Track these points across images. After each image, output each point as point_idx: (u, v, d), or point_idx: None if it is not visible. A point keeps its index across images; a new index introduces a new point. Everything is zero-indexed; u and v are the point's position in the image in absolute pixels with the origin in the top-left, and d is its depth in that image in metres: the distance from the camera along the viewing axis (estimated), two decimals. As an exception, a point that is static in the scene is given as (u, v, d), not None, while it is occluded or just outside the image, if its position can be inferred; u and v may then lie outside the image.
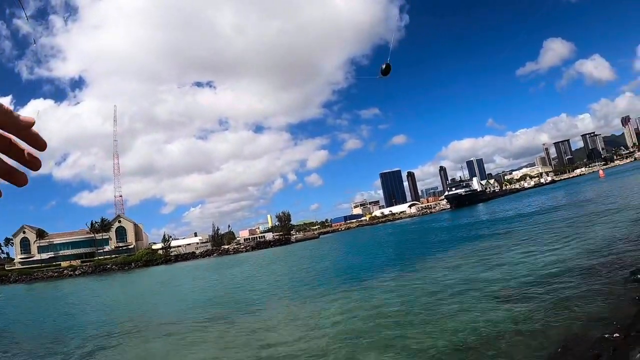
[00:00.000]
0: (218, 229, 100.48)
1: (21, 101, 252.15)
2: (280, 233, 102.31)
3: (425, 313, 9.55)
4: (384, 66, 6.95)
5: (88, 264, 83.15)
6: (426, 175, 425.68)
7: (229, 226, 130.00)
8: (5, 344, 14.34)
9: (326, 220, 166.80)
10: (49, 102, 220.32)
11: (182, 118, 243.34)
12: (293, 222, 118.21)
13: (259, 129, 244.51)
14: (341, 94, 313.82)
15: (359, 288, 14.56)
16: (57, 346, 12.60)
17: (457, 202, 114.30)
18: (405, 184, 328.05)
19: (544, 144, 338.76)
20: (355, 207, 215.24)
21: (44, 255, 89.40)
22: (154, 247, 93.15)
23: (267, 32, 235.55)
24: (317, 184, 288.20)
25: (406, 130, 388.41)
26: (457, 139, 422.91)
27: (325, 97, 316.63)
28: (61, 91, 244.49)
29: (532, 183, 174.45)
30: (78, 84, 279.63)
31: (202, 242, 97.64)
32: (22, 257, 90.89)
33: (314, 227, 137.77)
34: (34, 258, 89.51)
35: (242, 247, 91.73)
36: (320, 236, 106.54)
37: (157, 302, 20.53)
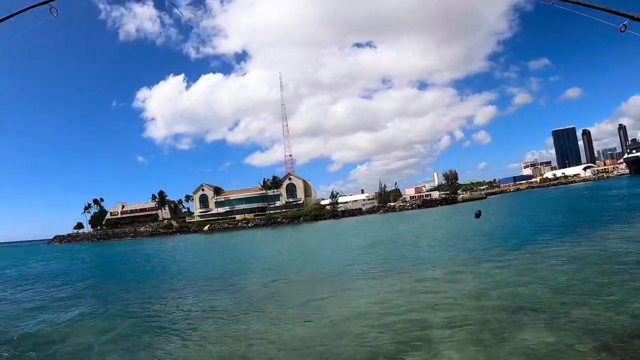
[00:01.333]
0: (385, 187, 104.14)
1: (193, 78, 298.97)
2: (447, 192, 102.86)
3: (596, 289, 8.64)
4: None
5: (260, 217, 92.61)
6: (603, 134, 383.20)
7: (395, 184, 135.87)
8: (186, 280, 16.53)
9: (494, 180, 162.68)
10: (219, 76, 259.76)
11: (345, 79, 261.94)
12: (460, 181, 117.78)
13: (423, 85, 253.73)
14: (506, 44, 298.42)
15: (525, 254, 14.12)
16: (232, 282, 14.43)
17: (637, 167, 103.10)
18: (580, 143, 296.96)
19: None
20: (525, 167, 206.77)
21: (221, 210, 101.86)
22: (322, 202, 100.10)
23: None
24: (485, 141, 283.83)
25: (580, 83, 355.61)
26: (639, 92, 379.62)
27: (489, 49, 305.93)
28: (227, 65, 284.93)
29: None
30: (242, 57, 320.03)
31: (368, 199, 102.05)
32: (201, 211, 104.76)
33: (481, 187, 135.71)
34: (212, 212, 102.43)
35: (408, 204, 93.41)
36: (488, 197, 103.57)
37: (325, 252, 21.87)
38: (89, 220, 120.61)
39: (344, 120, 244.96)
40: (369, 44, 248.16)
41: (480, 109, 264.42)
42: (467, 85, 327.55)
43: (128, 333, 8.90)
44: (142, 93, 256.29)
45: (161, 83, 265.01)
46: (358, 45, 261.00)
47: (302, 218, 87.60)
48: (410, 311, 8.12)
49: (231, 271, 18.28)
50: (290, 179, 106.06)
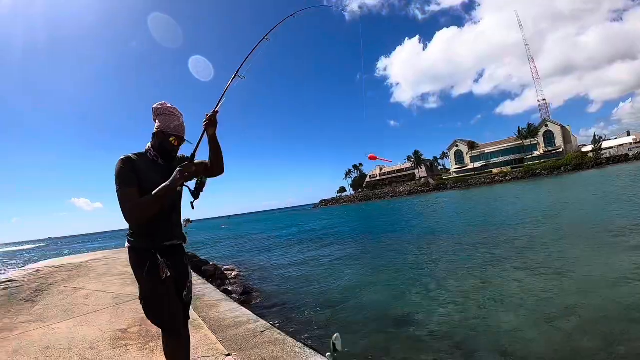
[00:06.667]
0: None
1: (427, 37, 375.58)
2: None
3: None
4: None
5: (517, 169, 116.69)
6: None
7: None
8: (437, 236, 21.09)
9: None
10: (453, 30, 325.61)
11: (588, 4, 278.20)
12: None
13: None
14: None
15: None
16: (494, 235, 18.03)
17: None
18: None
19: None
20: None
21: (476, 164, 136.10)
22: (583, 149, 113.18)
23: None
24: None
25: None
26: None
27: None
28: (458, 17, 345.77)
29: None
30: (471, 5, 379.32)
31: (635, 143, 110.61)
32: (457, 167, 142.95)
33: None
34: (468, 167, 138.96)
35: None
36: None
37: (589, 207, 23.38)
38: (351, 184, 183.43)
39: (596, 51, 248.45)
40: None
41: None
42: None
43: (389, 281, 12.04)
44: (382, 62, 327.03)
45: (398, 49, 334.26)
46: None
47: (562, 168, 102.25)
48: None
49: (494, 224, 21.93)
50: (546, 125, 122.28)
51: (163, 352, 3.14)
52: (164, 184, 2.78)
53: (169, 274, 2.93)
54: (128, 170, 2.85)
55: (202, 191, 3.07)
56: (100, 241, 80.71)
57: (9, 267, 36.63)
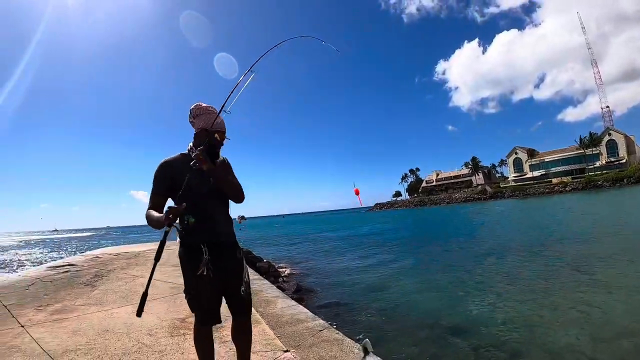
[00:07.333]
0: None
1: (487, 40, 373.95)
2: None
3: None
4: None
5: (578, 180, 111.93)
6: None
7: None
8: (495, 245, 20.46)
9: None
10: (513, 32, 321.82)
11: None
12: None
13: None
14: None
15: None
16: (550, 248, 17.16)
17: None
18: None
19: None
20: None
21: (536, 173, 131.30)
22: None
23: None
24: None
25: None
26: None
27: None
28: (518, 20, 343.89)
29: None
30: (531, 7, 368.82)
31: None
32: (515, 175, 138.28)
33: None
34: (526, 176, 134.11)
35: None
36: None
37: None
38: (406, 189, 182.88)
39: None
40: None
41: None
42: None
43: (442, 285, 12.24)
44: (441, 66, 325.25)
45: (457, 52, 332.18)
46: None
47: (625, 180, 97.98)
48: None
49: (556, 236, 21.08)
50: (609, 134, 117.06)
51: (193, 339, 3.21)
52: (157, 218, 2.84)
53: (205, 272, 2.94)
54: (162, 176, 3.01)
55: (189, 230, 3.04)
56: (156, 232, 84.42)
57: (70, 252, 38.84)
